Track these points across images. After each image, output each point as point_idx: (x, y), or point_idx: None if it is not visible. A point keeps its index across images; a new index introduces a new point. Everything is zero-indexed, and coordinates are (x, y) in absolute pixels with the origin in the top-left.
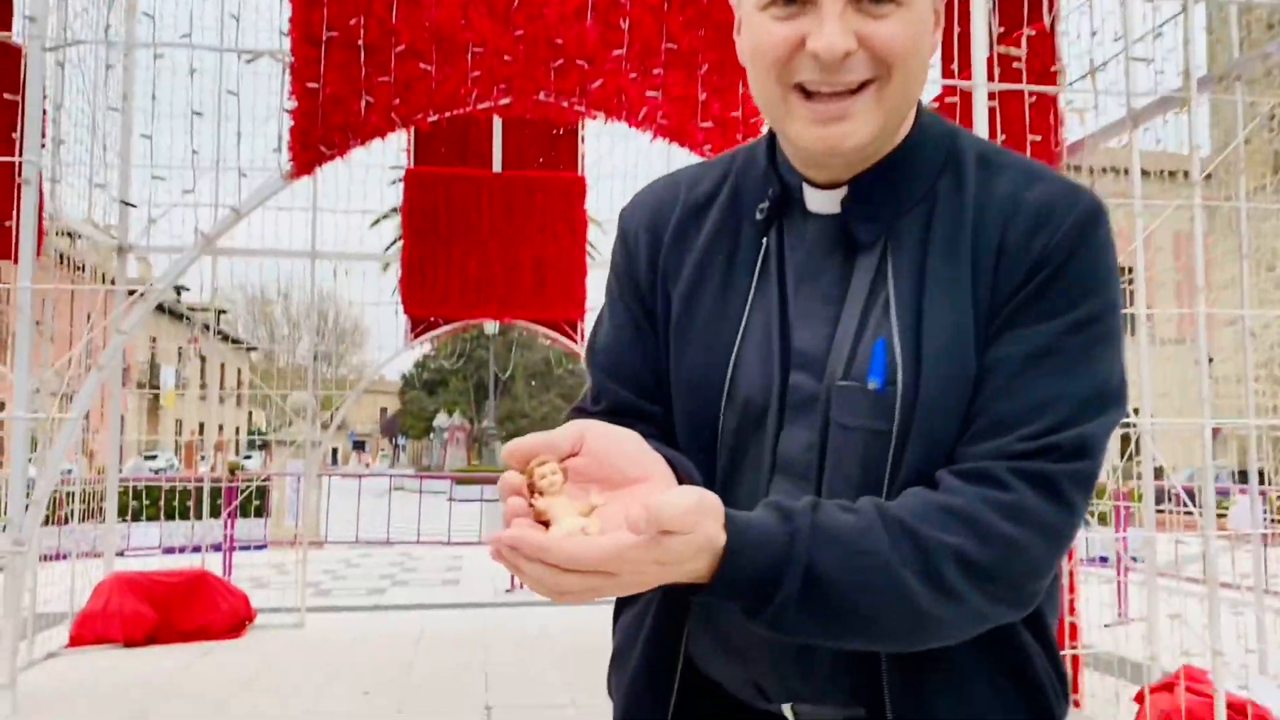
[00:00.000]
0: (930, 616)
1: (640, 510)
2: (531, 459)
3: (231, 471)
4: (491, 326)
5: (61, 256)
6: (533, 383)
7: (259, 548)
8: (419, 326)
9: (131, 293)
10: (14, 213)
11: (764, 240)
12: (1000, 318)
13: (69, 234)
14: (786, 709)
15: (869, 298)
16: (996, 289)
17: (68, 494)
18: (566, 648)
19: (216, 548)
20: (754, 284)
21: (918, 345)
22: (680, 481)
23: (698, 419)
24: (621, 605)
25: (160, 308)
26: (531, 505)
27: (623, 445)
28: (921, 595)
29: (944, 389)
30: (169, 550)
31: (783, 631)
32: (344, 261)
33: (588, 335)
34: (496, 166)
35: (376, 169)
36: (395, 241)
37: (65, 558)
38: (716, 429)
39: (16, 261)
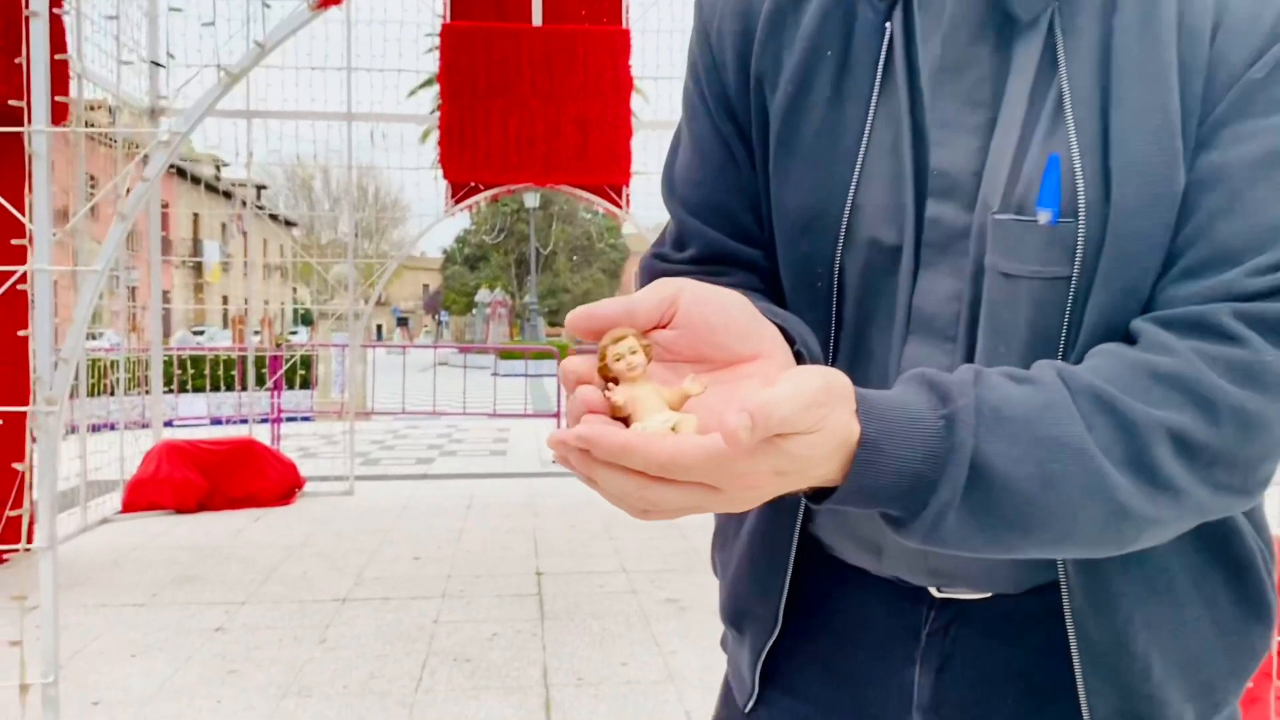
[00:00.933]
0: (1135, 517)
1: (738, 415)
2: (605, 332)
3: (279, 346)
4: (532, 199)
5: (90, 124)
6: (574, 258)
7: (304, 419)
8: (459, 193)
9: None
10: (24, 48)
11: (886, 25)
12: (1218, 112)
13: (96, 107)
14: (932, 589)
15: (1033, 97)
16: (1213, 73)
17: (112, 363)
18: (613, 515)
19: (264, 419)
20: (876, 85)
21: (1104, 158)
22: (797, 358)
23: (809, 265)
24: None
25: (200, 183)
26: (607, 397)
27: (728, 312)
28: (1126, 491)
29: (1143, 215)
30: (216, 421)
31: (939, 544)
32: (381, 124)
33: (664, 165)
34: (536, 20)
35: (411, 25)
36: (434, 111)
37: (114, 427)
38: (832, 279)
39: (29, 107)
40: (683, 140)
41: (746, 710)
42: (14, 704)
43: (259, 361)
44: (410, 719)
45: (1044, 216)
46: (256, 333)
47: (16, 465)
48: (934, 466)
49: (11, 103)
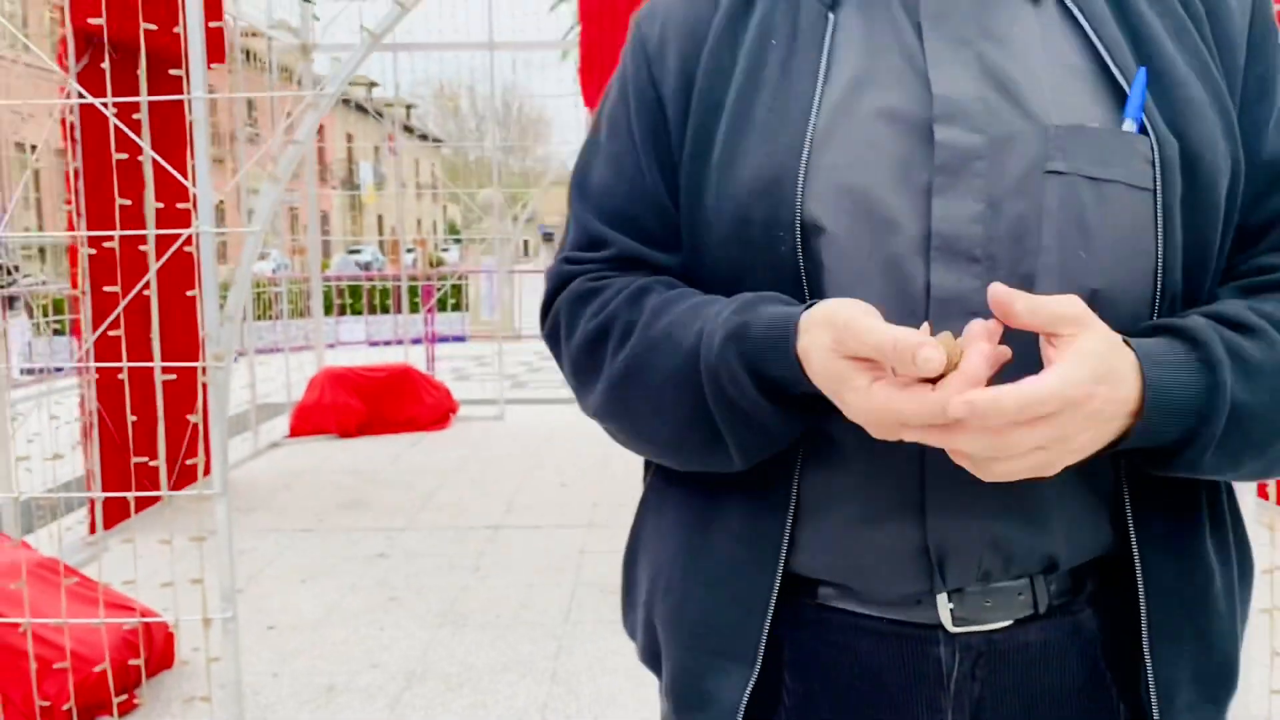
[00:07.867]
0: None
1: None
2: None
3: (434, 265)
4: None
5: (249, 53)
6: None
7: (457, 339)
8: None
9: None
10: (180, 15)
11: (830, 16)
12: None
13: (255, 33)
14: (942, 603)
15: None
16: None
17: (276, 294)
18: None
19: (416, 341)
20: (824, 57)
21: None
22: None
23: (768, 230)
24: (642, 519)
25: (351, 104)
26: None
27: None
28: None
29: (1212, 146)
30: (374, 344)
31: (1186, 471)
32: (522, 52)
33: (575, 171)
34: None
35: None
36: (573, 28)
37: (279, 350)
38: (794, 245)
39: (188, 75)
40: (601, 150)
41: None
42: (199, 635)
43: (413, 290)
44: (559, 652)
45: (1129, 125)
46: (410, 250)
47: (190, 417)
48: (1207, 407)
49: (171, 72)
